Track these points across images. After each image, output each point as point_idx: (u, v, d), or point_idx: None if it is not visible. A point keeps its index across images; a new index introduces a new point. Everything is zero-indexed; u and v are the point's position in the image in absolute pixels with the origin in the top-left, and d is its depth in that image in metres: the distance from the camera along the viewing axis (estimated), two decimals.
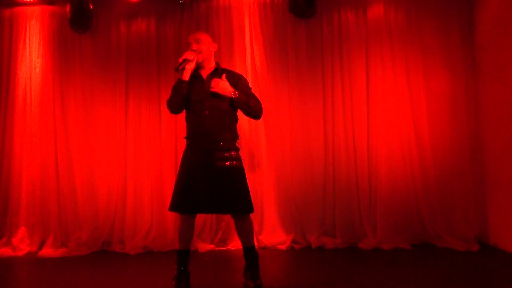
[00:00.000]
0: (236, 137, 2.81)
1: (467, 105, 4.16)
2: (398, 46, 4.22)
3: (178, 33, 4.40)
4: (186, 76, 2.70)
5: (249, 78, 4.22)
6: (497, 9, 3.83)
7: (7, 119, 4.39)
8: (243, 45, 4.32)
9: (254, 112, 2.81)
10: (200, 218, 4.04)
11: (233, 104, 2.73)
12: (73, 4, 4.16)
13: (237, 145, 2.80)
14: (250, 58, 4.30)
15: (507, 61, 3.66)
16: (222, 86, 2.69)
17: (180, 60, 2.69)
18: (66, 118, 4.38)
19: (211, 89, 2.69)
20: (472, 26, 4.20)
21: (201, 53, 2.76)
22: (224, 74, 2.76)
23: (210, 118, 2.70)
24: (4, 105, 4.42)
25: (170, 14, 4.44)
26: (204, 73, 2.81)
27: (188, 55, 2.71)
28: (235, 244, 4.05)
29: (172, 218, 4.19)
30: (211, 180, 2.64)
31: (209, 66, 2.84)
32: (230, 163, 2.69)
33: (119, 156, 4.32)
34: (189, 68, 2.71)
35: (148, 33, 4.42)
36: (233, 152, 2.73)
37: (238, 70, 4.09)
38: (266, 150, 4.27)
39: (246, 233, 2.75)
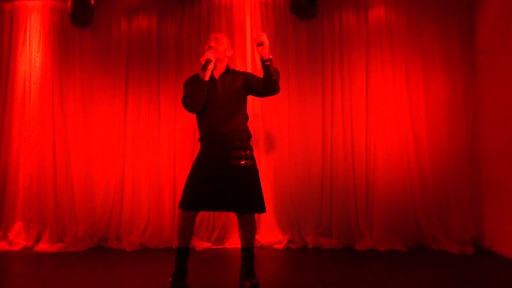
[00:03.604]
0: (250, 135, 2.82)
1: (466, 109, 4.18)
2: (398, 49, 4.24)
3: (179, 31, 4.40)
4: (208, 76, 2.70)
5: None
6: (497, 14, 3.85)
7: (5, 113, 4.38)
8: (244, 44, 4.32)
9: (278, 81, 2.73)
10: (197, 216, 4.04)
11: (266, 67, 2.64)
12: None
13: (251, 143, 2.81)
14: (251, 57, 4.30)
15: (507, 66, 3.68)
16: (267, 44, 2.61)
17: (203, 60, 2.69)
18: (65, 113, 4.37)
19: (258, 43, 2.62)
20: (472, 30, 4.22)
21: (216, 52, 2.77)
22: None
23: (225, 117, 2.71)
24: (3, 99, 4.41)
25: (172, 12, 4.43)
26: (216, 73, 2.82)
27: (209, 55, 2.71)
28: (232, 243, 4.06)
29: (169, 216, 4.20)
30: (226, 179, 2.64)
31: (221, 67, 2.85)
32: (245, 162, 2.70)
33: (117, 152, 4.32)
34: (210, 68, 2.71)
35: (149, 30, 4.42)
36: (248, 152, 2.75)
37: (238, 69, 4.09)
38: (264, 150, 4.27)
39: (250, 234, 2.76)
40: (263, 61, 2.66)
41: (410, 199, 4.10)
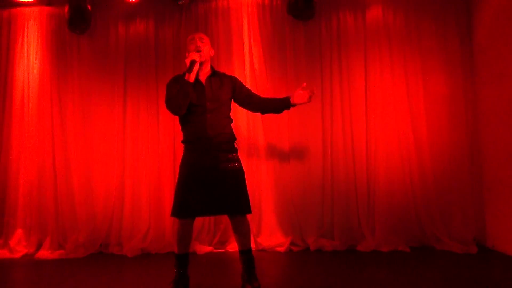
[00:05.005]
0: (235, 138, 2.83)
1: (465, 107, 4.16)
2: (396, 48, 4.23)
3: (176, 35, 4.39)
4: (193, 78, 2.68)
5: (248, 79, 4.22)
6: (495, 12, 3.84)
7: (4, 120, 4.38)
8: (242, 47, 4.31)
9: None
10: (198, 220, 4.03)
11: (285, 109, 2.89)
12: (71, 5, 4.16)
13: (236, 146, 2.82)
14: (249, 60, 4.30)
15: (505, 63, 3.67)
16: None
17: (188, 62, 2.67)
18: (64, 119, 4.37)
19: (310, 98, 2.81)
20: (471, 28, 4.21)
21: (202, 53, 2.75)
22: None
23: (213, 121, 2.70)
24: (2, 106, 4.40)
25: (169, 16, 4.43)
26: (202, 76, 2.80)
27: (195, 56, 2.69)
28: (233, 246, 4.03)
29: (170, 220, 4.17)
30: (215, 182, 2.64)
31: (206, 70, 2.83)
32: (233, 165, 2.71)
33: (117, 158, 4.30)
34: (196, 69, 2.69)
35: (147, 35, 4.41)
36: (234, 154, 2.77)
37: (236, 72, 4.12)
38: (264, 152, 4.26)
39: (244, 235, 2.75)
40: (291, 104, 2.82)
41: (411, 199, 4.08)
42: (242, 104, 2.93)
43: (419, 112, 4.16)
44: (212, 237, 4.19)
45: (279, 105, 2.86)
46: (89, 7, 4.21)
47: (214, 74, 2.84)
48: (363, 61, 4.25)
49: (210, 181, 2.64)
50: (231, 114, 2.90)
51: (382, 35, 4.24)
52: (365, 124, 4.20)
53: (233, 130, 2.87)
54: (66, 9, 4.20)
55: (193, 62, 2.66)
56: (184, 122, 2.80)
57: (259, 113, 4.15)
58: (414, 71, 4.20)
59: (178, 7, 4.39)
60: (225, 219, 4.14)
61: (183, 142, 2.81)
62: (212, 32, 4.30)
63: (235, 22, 4.35)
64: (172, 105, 2.70)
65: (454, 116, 4.15)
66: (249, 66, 4.28)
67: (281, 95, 4.22)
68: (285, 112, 4.15)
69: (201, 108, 2.71)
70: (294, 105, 2.83)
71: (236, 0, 4.37)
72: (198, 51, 2.73)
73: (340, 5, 4.32)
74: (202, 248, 4.03)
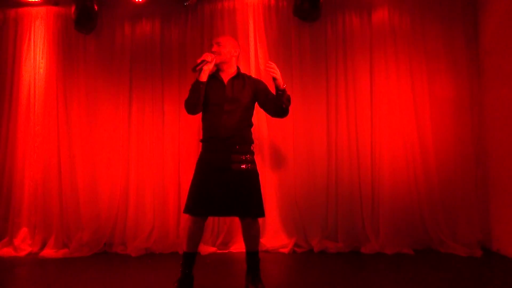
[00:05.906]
0: (251, 141, 2.82)
1: (471, 110, 4.15)
2: (402, 50, 4.22)
3: (182, 35, 4.41)
4: (204, 77, 2.69)
5: None
6: (502, 13, 3.83)
7: (10, 119, 4.40)
8: (247, 48, 4.31)
9: (287, 109, 2.73)
10: None
11: (279, 96, 2.65)
12: (78, 5, 4.18)
13: (252, 149, 2.80)
14: (254, 60, 4.30)
15: None
16: (279, 74, 2.63)
17: (199, 60, 2.69)
18: (70, 119, 4.39)
19: (271, 72, 2.59)
20: (477, 30, 4.20)
21: (219, 55, 2.76)
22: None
23: (227, 122, 2.70)
24: (8, 105, 4.43)
25: (175, 16, 4.44)
26: (225, 77, 2.81)
27: (206, 56, 2.70)
28: (237, 247, 4.04)
29: (174, 221, 4.19)
30: (227, 183, 2.65)
31: (230, 70, 2.83)
32: (246, 166, 2.70)
33: (121, 158, 4.32)
34: (207, 69, 2.70)
35: (153, 35, 4.43)
36: (248, 156, 2.74)
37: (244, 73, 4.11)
38: (269, 153, 4.26)
39: (253, 238, 2.74)
40: (277, 90, 2.67)
41: (416, 201, 4.07)
42: (264, 108, 2.87)
43: (424, 114, 4.15)
44: (215, 238, 4.19)
45: (277, 99, 2.70)
46: (95, 7, 4.23)
47: (238, 76, 2.84)
48: (368, 63, 4.25)
49: (223, 182, 2.65)
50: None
51: (388, 37, 4.23)
52: (370, 126, 4.20)
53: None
54: (73, 9, 4.23)
55: (202, 62, 2.67)
56: (203, 121, 2.83)
57: (263, 114, 4.21)
58: (420, 73, 4.19)
59: (184, 8, 4.40)
60: (229, 220, 4.15)
61: (201, 141, 2.84)
62: (218, 33, 4.30)
63: (241, 23, 4.36)
64: (186, 105, 2.76)
65: (460, 119, 4.13)
66: (255, 67, 4.28)
67: None
68: (290, 113, 4.21)
69: (219, 108, 2.72)
70: (281, 89, 2.64)
71: (242, 1, 4.38)
72: (213, 52, 2.75)
73: (346, 7, 4.32)
74: (206, 249, 4.03)
